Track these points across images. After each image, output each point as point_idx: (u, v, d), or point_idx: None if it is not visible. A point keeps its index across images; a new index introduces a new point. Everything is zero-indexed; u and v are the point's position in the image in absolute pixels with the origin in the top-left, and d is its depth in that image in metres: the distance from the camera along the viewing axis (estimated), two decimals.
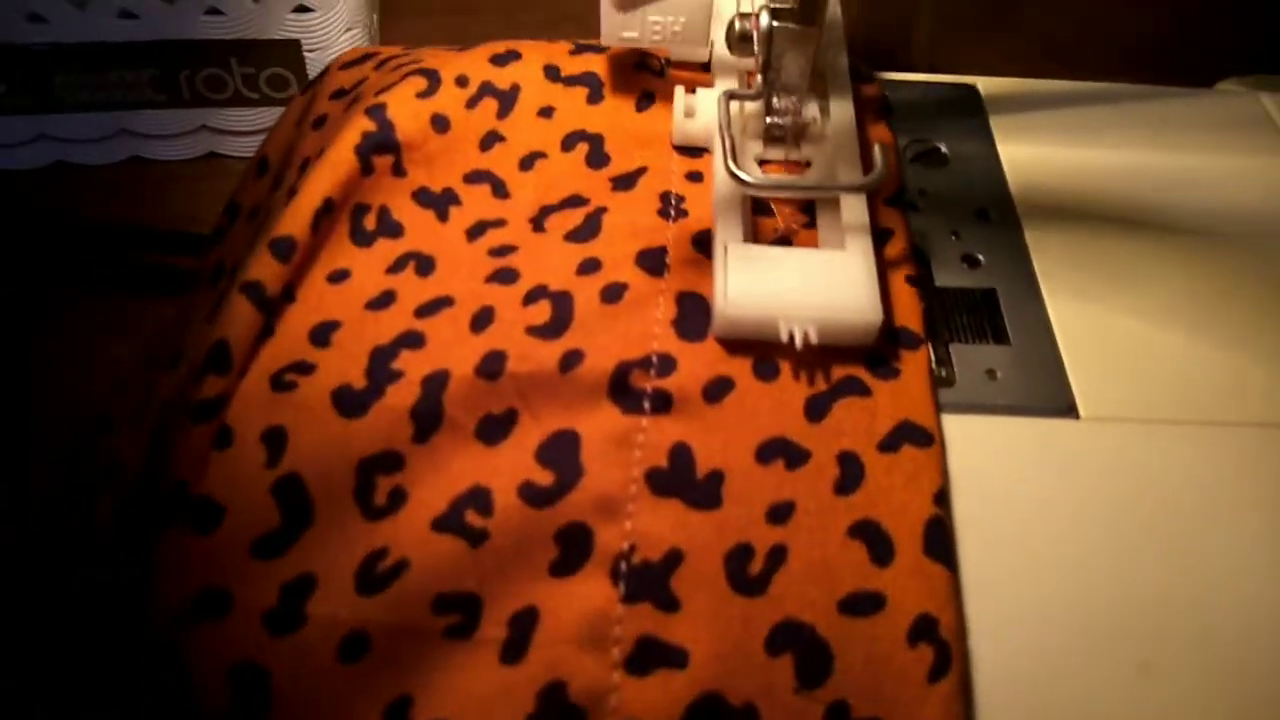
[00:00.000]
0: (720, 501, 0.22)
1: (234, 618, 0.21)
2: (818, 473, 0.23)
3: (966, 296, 0.28)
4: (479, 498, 0.22)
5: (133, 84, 0.46)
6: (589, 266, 0.25)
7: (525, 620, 0.21)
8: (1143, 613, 0.23)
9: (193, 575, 0.21)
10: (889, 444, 0.23)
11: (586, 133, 0.29)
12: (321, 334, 0.24)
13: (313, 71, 0.47)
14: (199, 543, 0.22)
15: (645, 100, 0.30)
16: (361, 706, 0.20)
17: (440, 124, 0.28)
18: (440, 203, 0.27)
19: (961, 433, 0.25)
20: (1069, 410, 0.26)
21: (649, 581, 0.21)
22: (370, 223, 0.27)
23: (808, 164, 0.28)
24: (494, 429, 0.23)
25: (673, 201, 0.27)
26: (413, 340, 0.24)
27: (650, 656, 0.21)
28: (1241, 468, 0.25)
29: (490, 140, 0.28)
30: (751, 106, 0.28)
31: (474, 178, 0.28)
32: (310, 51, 0.46)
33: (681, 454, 0.23)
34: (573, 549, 0.21)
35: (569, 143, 0.28)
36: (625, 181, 0.28)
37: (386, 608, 0.21)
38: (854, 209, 0.26)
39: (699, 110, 0.29)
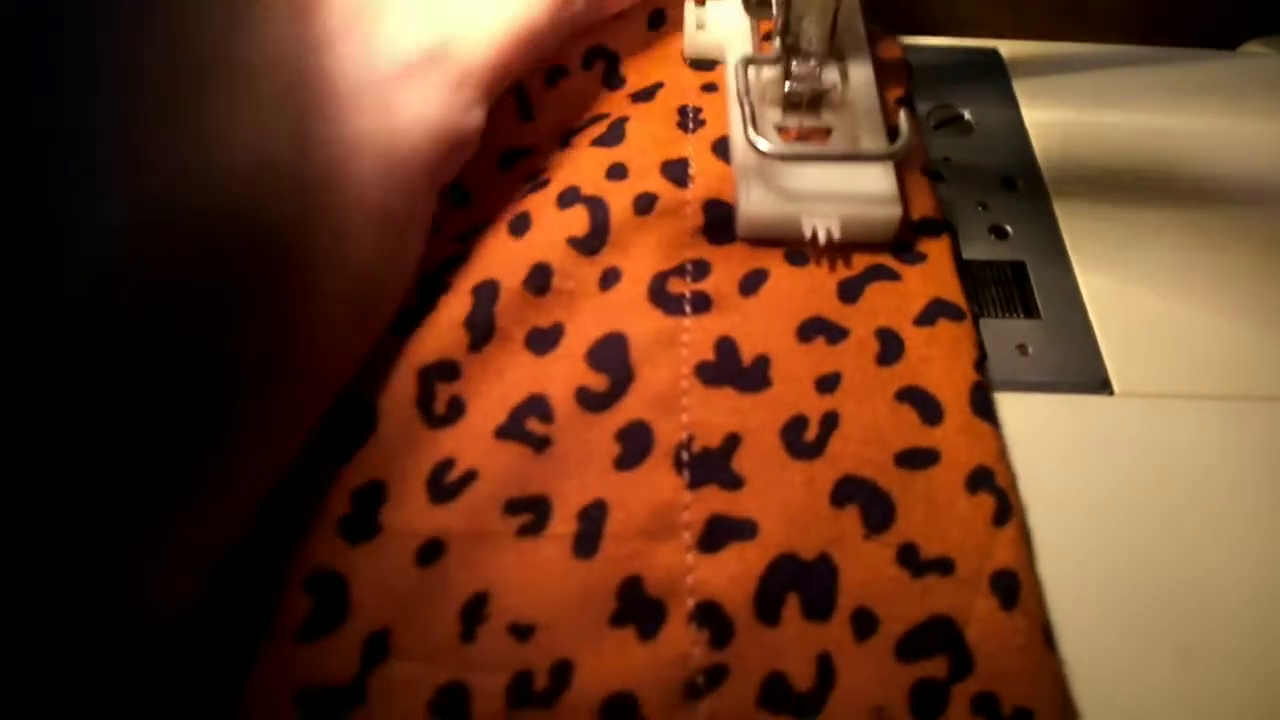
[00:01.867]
0: (769, 382, 0.23)
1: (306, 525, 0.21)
2: (859, 347, 0.24)
3: (995, 269, 0.27)
4: (538, 405, 0.23)
5: None
6: (617, 172, 0.26)
7: (595, 514, 0.21)
8: (1179, 593, 0.22)
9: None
10: (924, 319, 0.24)
11: (605, 48, 0.29)
12: None
13: None
14: None
15: (657, 19, 0.30)
16: (439, 607, 0.21)
17: None
18: None
19: (996, 409, 0.24)
20: (1103, 386, 0.25)
21: (711, 466, 0.22)
22: None
23: (828, 131, 0.27)
24: (543, 340, 0.23)
25: (690, 114, 0.28)
26: (457, 260, 0.24)
27: (721, 533, 0.21)
28: (1276, 443, 0.24)
29: None
30: (770, 72, 0.27)
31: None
32: None
33: (726, 346, 0.24)
34: (634, 445, 0.22)
35: (589, 59, 0.29)
36: (644, 95, 0.28)
37: (459, 515, 0.21)
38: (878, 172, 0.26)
39: (710, 22, 0.29)
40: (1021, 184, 0.29)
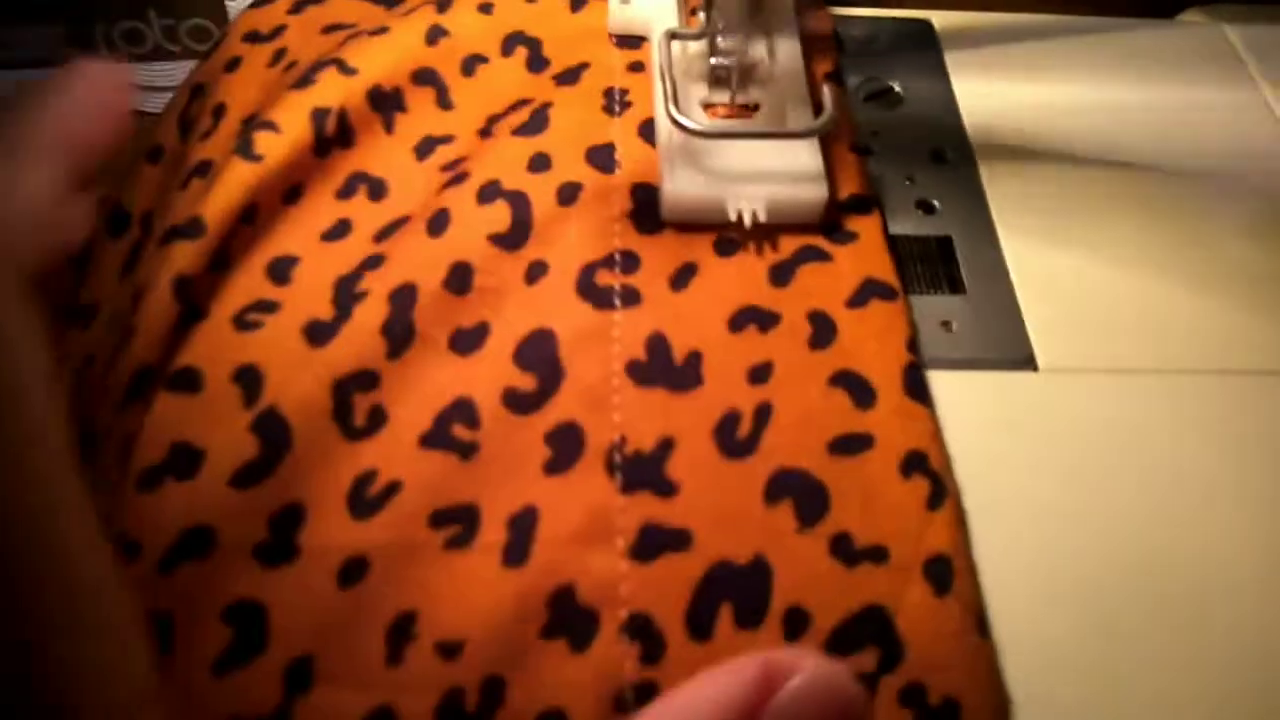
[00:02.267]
0: (701, 380, 0.23)
1: (221, 555, 0.20)
2: (790, 332, 0.24)
3: (922, 245, 0.27)
4: (463, 410, 0.22)
5: (43, 40, 0.44)
6: (540, 163, 0.25)
7: (525, 521, 0.21)
8: (1106, 567, 0.22)
9: (171, 521, 0.21)
10: (856, 300, 0.24)
11: (525, 35, 0.28)
12: (281, 269, 0.24)
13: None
14: (179, 489, 0.21)
15: (578, 1, 0.30)
16: (364, 629, 0.20)
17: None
18: (388, 106, 0.27)
19: None
20: (1027, 362, 0.25)
21: (644, 471, 0.22)
22: (330, 126, 0.26)
23: (755, 107, 0.27)
24: (467, 340, 0.23)
25: (616, 97, 0.27)
26: (374, 262, 0.24)
27: (654, 543, 0.21)
28: (1204, 415, 0.24)
29: (434, 35, 0.28)
30: (695, 47, 0.27)
31: (419, 77, 0.27)
32: (232, 1, 0.44)
33: (657, 343, 0.23)
34: (565, 447, 0.22)
35: (509, 46, 0.28)
36: (568, 77, 0.28)
37: (383, 529, 0.21)
38: (804, 151, 0.26)
39: None
40: (950, 156, 0.29)
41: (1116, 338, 0.26)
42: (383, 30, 0.28)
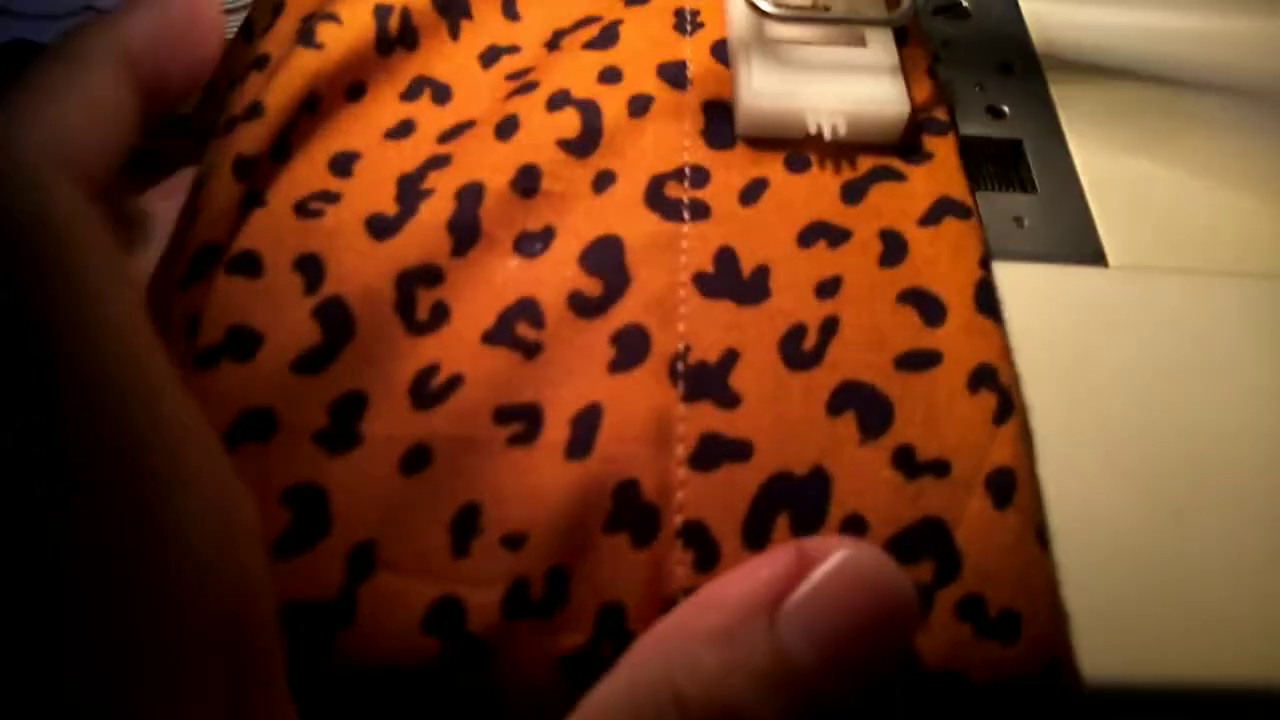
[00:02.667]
0: (769, 293, 0.23)
1: (281, 438, 0.20)
2: (861, 248, 0.23)
3: (992, 146, 0.27)
4: (528, 309, 0.22)
5: None
6: (610, 76, 0.25)
7: (589, 418, 0.21)
8: (1175, 460, 0.22)
9: (231, 401, 0.21)
10: (929, 218, 0.24)
11: None
12: (342, 163, 0.24)
13: None
14: (237, 371, 0.21)
15: None
16: (427, 518, 0.20)
17: None
18: (453, 11, 0.27)
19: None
20: (1097, 258, 0.25)
21: (707, 381, 0.21)
22: (393, 25, 0.26)
23: (826, 9, 0.27)
24: (533, 243, 0.23)
25: (688, 17, 0.27)
26: (439, 162, 0.24)
27: (714, 453, 0.21)
28: (1272, 318, 0.25)
29: None
30: None
31: None
32: None
33: (725, 256, 0.23)
34: (630, 349, 0.21)
35: None
36: None
37: (445, 421, 0.21)
38: (880, 49, 0.26)
39: None
40: (1019, 68, 0.29)
41: (1187, 239, 0.26)
42: None
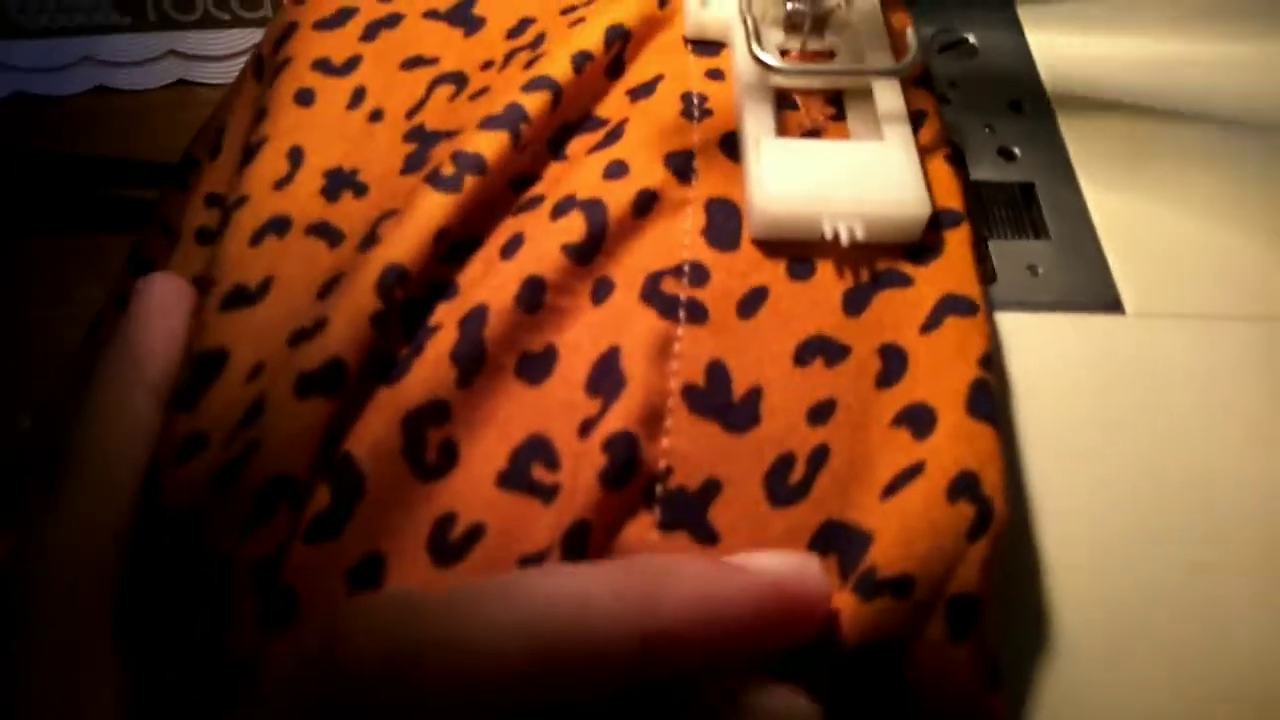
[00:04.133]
0: (759, 419, 0.22)
1: (304, 619, 0.20)
2: (858, 368, 0.22)
3: (1004, 191, 0.27)
4: (540, 450, 0.21)
5: (95, 7, 0.45)
6: (616, 170, 0.24)
7: (579, 536, 0.20)
8: (1194, 510, 0.22)
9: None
10: (931, 323, 0.23)
11: (623, 27, 0.27)
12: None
13: None
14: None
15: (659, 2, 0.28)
16: None
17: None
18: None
19: (1004, 330, 0.24)
20: (1114, 305, 0.25)
21: (686, 511, 0.21)
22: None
23: (831, 54, 0.27)
24: (534, 367, 0.22)
25: (695, 101, 0.26)
26: (445, 292, 0.23)
27: None
28: None
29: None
30: None
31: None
32: None
33: (718, 372, 0.22)
34: (619, 461, 0.20)
35: (578, 62, 0.26)
36: (643, 91, 0.26)
37: (469, 574, 0.20)
38: (888, 97, 0.25)
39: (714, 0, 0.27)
40: (1028, 106, 0.29)
41: (1204, 283, 0.26)
42: (482, 92, 0.27)
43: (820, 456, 0.21)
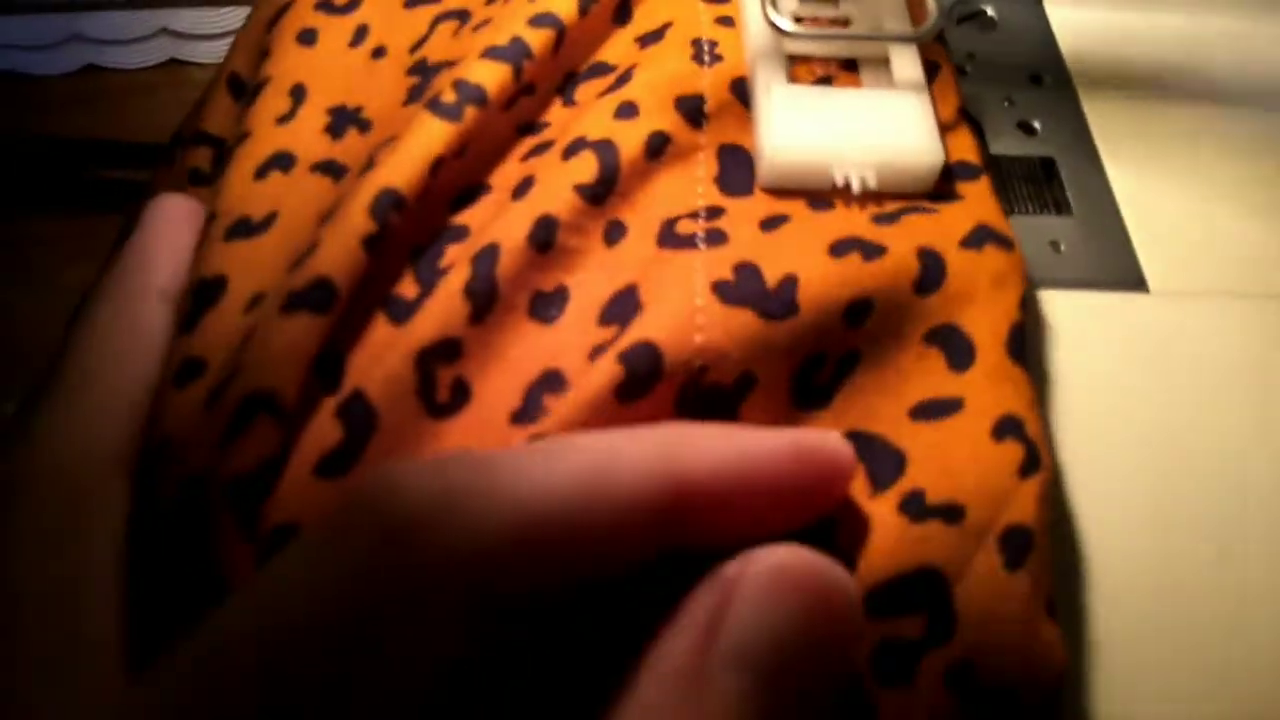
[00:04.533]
0: (796, 308, 0.21)
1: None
2: (896, 267, 0.21)
3: (1025, 165, 0.26)
4: (552, 381, 0.20)
5: None
6: (626, 110, 0.23)
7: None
8: (1217, 491, 0.22)
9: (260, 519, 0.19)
10: (971, 241, 0.22)
11: None
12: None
13: None
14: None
15: None
16: None
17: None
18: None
19: (1029, 307, 0.23)
20: (1138, 283, 0.24)
21: (721, 408, 0.20)
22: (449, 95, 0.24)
23: (846, 23, 0.26)
24: (547, 307, 0.21)
25: (705, 48, 0.25)
26: (457, 234, 0.22)
27: None
28: None
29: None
30: None
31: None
32: None
33: (748, 268, 0.21)
34: (640, 370, 0.20)
35: (584, 3, 0.26)
36: (652, 37, 0.26)
37: None
38: (906, 65, 0.24)
39: None
40: (1048, 80, 0.28)
41: (1227, 262, 0.25)
42: (485, 24, 0.26)
43: (850, 363, 0.21)
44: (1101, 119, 0.28)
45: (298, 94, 0.25)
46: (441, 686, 0.16)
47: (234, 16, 0.46)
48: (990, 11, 0.30)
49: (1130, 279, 0.24)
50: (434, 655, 0.16)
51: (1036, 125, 0.27)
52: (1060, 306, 0.24)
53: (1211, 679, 0.20)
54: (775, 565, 0.16)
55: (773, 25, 0.24)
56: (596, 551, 0.16)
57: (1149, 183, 0.26)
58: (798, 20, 0.26)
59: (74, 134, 0.44)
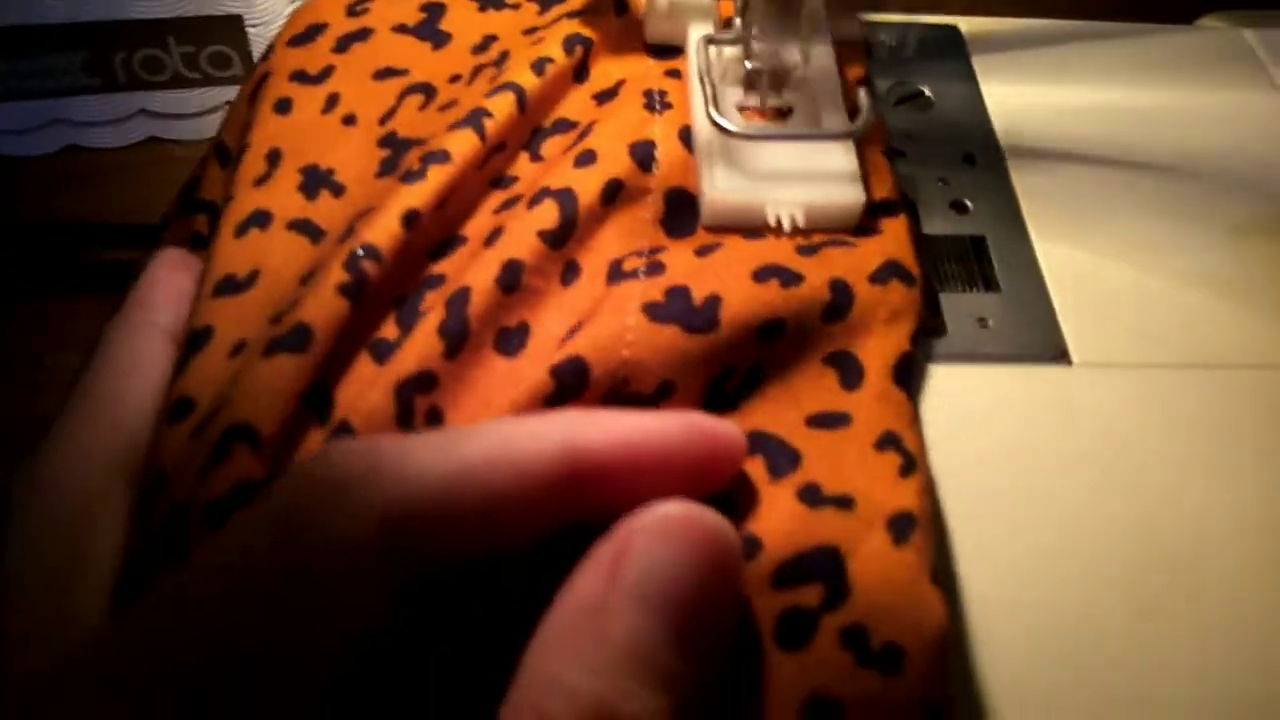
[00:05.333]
0: (718, 324, 0.24)
1: None
2: (810, 295, 0.25)
3: (956, 244, 0.28)
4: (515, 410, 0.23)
5: (64, 69, 0.46)
6: (585, 159, 0.26)
7: None
8: (1139, 559, 0.23)
9: None
10: (879, 277, 0.25)
11: (581, 35, 0.30)
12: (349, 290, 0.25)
13: (256, 48, 0.47)
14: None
15: (621, 6, 0.31)
16: None
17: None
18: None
19: (953, 382, 0.26)
20: (1061, 356, 0.26)
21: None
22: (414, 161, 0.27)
23: (789, 110, 0.29)
24: (510, 341, 0.24)
25: (656, 97, 0.28)
26: (434, 282, 0.25)
27: None
28: (1237, 410, 0.26)
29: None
30: (730, 51, 0.29)
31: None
32: (253, 26, 0.46)
33: (678, 290, 0.24)
34: (566, 382, 0.23)
35: (570, 45, 0.29)
36: (607, 95, 0.29)
37: None
38: (834, 116, 0.28)
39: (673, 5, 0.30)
40: (981, 159, 0.31)
41: (1151, 334, 0.27)
42: (452, 104, 0.29)
43: (756, 375, 0.24)
44: (1032, 195, 0.30)
45: (273, 158, 0.28)
46: (366, 654, 0.18)
47: (211, 96, 0.48)
48: (928, 92, 0.32)
49: (1053, 352, 0.26)
50: (361, 616, 0.18)
51: (969, 204, 0.29)
52: (984, 381, 0.26)
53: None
54: (667, 514, 0.19)
55: (717, 125, 0.26)
56: (504, 516, 0.19)
57: (1076, 256, 0.28)
58: (742, 110, 0.29)
59: (58, 215, 0.46)
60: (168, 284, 0.26)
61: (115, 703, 0.16)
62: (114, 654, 0.17)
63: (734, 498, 0.22)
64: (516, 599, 0.20)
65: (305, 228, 0.26)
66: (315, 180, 0.27)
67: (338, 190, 0.27)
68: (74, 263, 0.44)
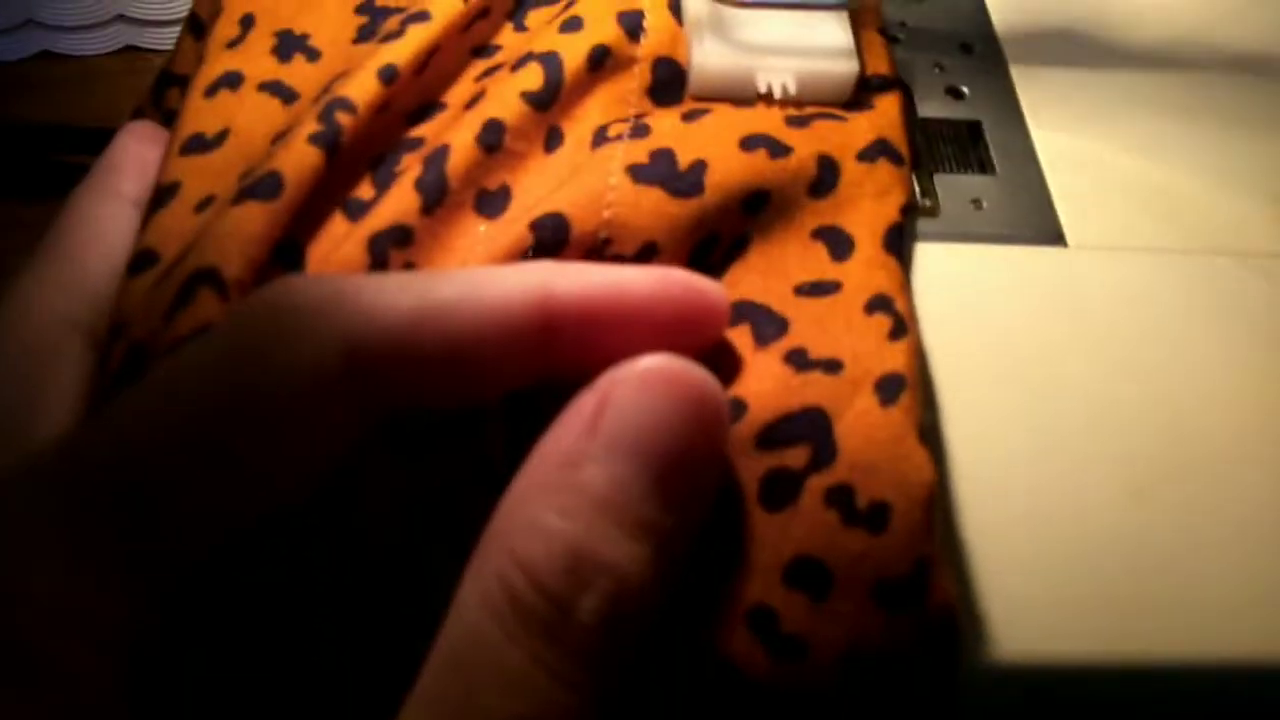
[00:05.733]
0: (702, 189, 0.23)
1: None
2: (797, 168, 0.24)
3: (951, 127, 0.28)
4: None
5: None
6: (571, 25, 0.26)
7: None
8: (1133, 439, 0.23)
9: None
10: (867, 155, 0.25)
11: None
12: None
13: None
14: None
15: None
16: None
17: None
18: None
19: (947, 261, 0.25)
20: (1056, 238, 0.26)
21: None
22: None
23: None
24: (491, 203, 0.24)
25: None
26: (412, 145, 0.24)
27: None
28: (1228, 296, 0.26)
29: None
30: None
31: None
32: None
33: (663, 153, 0.24)
34: (546, 238, 0.22)
35: None
36: None
37: None
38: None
39: None
40: (979, 48, 0.30)
41: (1146, 219, 0.27)
42: None
43: (740, 244, 0.24)
44: (1030, 86, 0.29)
45: (246, 22, 0.28)
46: (329, 492, 0.18)
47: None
48: None
49: (1049, 234, 0.26)
50: (320, 445, 0.18)
51: (965, 90, 0.29)
52: (979, 260, 0.25)
53: (1130, 619, 0.21)
54: (648, 365, 0.18)
55: None
56: (472, 361, 0.18)
57: (1073, 144, 0.28)
58: None
59: (28, 120, 0.45)
60: (136, 154, 0.26)
61: (56, 512, 0.16)
62: (55, 463, 0.17)
63: (719, 363, 0.22)
64: (493, 468, 0.19)
65: (278, 89, 0.26)
66: (289, 44, 0.27)
67: (312, 55, 0.27)
68: (42, 165, 0.43)
